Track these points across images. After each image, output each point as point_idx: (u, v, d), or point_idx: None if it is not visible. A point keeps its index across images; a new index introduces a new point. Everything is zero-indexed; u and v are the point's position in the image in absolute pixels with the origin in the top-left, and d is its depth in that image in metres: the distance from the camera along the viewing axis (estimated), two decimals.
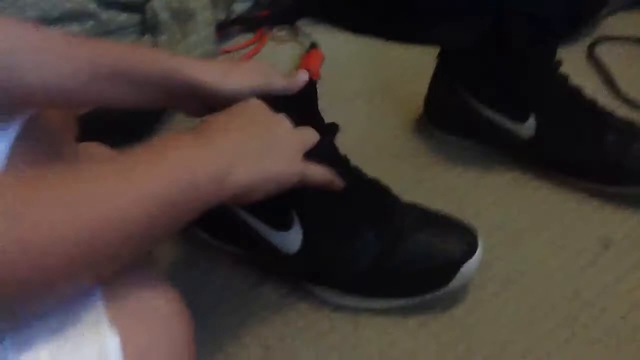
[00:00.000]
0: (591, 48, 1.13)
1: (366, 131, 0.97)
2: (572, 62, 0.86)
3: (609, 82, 1.05)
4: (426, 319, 0.68)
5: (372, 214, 0.66)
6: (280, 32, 1.22)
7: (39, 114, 0.58)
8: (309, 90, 0.63)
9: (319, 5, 1.27)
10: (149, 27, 1.13)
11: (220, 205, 0.51)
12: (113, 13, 1.13)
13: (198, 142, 0.50)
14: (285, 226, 0.64)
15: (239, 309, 0.69)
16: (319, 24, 1.24)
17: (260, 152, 0.53)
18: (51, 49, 0.52)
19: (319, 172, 0.59)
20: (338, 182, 0.62)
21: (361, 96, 1.05)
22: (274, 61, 1.14)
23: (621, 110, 0.90)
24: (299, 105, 0.61)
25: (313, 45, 1.15)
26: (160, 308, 0.46)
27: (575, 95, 0.84)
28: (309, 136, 0.59)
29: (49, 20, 1.05)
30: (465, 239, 0.67)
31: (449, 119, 0.92)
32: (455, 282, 0.66)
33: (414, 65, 1.11)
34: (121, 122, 0.89)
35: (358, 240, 0.65)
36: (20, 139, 0.54)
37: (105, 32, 1.11)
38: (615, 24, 1.20)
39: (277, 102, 0.60)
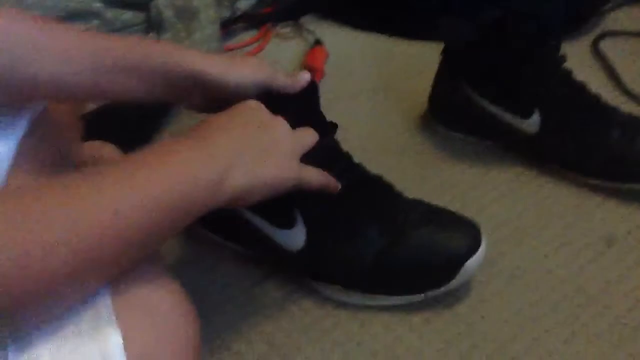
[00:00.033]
0: (595, 43, 1.13)
1: (370, 127, 0.97)
2: (576, 57, 0.86)
3: (614, 77, 1.04)
4: (430, 315, 0.68)
5: (375, 211, 0.67)
6: (285, 29, 1.22)
7: (46, 111, 0.58)
8: (311, 91, 0.63)
9: (322, 1, 1.27)
10: (153, 25, 1.13)
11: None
12: (118, 11, 1.13)
13: (194, 147, 0.50)
14: (289, 224, 0.64)
15: (244, 306, 0.70)
16: (323, 20, 1.24)
17: (257, 156, 0.53)
18: (57, 42, 0.51)
19: (314, 176, 0.59)
20: (334, 185, 0.62)
21: (365, 92, 1.05)
22: (279, 58, 1.15)
23: (626, 106, 0.90)
24: (300, 105, 0.62)
25: (317, 42, 1.15)
26: (165, 305, 0.46)
27: (579, 90, 0.84)
28: (307, 139, 0.60)
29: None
30: (469, 235, 0.67)
31: (453, 115, 0.92)
32: (459, 278, 0.66)
33: (417, 61, 1.11)
34: (128, 120, 0.90)
35: (361, 236, 0.66)
36: (27, 136, 0.54)
37: (110, 30, 1.11)
38: (620, 18, 1.20)
39: (279, 99, 0.60)
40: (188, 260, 0.76)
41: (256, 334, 0.67)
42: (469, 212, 0.70)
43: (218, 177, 0.49)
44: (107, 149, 0.81)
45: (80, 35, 0.53)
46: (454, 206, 0.71)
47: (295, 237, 0.65)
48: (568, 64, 0.84)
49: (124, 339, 0.42)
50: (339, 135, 0.67)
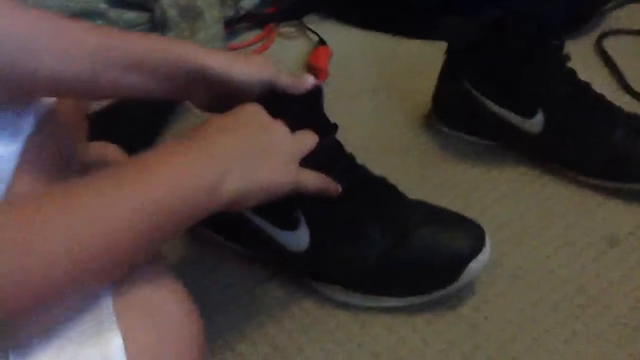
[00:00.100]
0: (599, 41, 1.13)
1: (373, 127, 0.98)
2: (579, 55, 0.86)
3: (617, 75, 1.04)
4: (433, 316, 0.68)
5: (378, 211, 0.67)
6: (288, 29, 1.23)
7: (53, 111, 0.59)
8: (316, 94, 0.63)
9: (325, 1, 1.27)
10: (157, 25, 1.14)
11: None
12: (122, 11, 1.14)
13: (191, 150, 0.50)
14: (292, 226, 0.64)
15: (247, 306, 0.70)
16: (325, 20, 1.25)
17: (254, 160, 0.53)
18: (57, 37, 0.51)
19: (313, 180, 0.59)
20: (334, 188, 0.62)
21: (368, 92, 1.05)
22: (282, 58, 1.15)
23: (629, 104, 0.90)
24: (304, 106, 0.62)
25: (321, 42, 1.15)
26: (168, 306, 0.46)
27: (583, 90, 0.84)
28: (306, 142, 0.59)
29: None
30: (472, 236, 0.67)
31: (457, 115, 0.92)
32: (464, 279, 0.66)
33: (420, 60, 1.11)
34: (133, 120, 0.90)
35: (364, 237, 0.66)
36: (33, 135, 0.55)
37: None
38: (623, 16, 1.19)
39: (283, 99, 0.60)
40: (191, 260, 0.76)
41: (259, 335, 0.67)
42: (471, 212, 0.70)
43: (213, 183, 0.49)
44: (110, 149, 0.81)
45: (82, 31, 0.53)
46: (456, 206, 0.71)
47: (299, 239, 0.65)
48: (571, 63, 0.83)
49: (125, 340, 0.42)
50: (342, 135, 0.67)
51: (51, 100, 0.59)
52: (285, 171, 0.56)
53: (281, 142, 0.56)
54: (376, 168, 0.70)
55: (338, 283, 0.68)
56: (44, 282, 0.38)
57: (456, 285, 0.67)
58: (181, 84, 0.58)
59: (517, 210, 0.81)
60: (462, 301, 0.70)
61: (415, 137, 0.95)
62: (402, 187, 0.70)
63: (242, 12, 1.22)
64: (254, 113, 0.57)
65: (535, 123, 0.83)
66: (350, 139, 0.68)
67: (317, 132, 0.61)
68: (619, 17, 1.19)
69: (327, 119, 0.65)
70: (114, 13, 1.12)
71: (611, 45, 1.11)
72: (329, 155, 0.63)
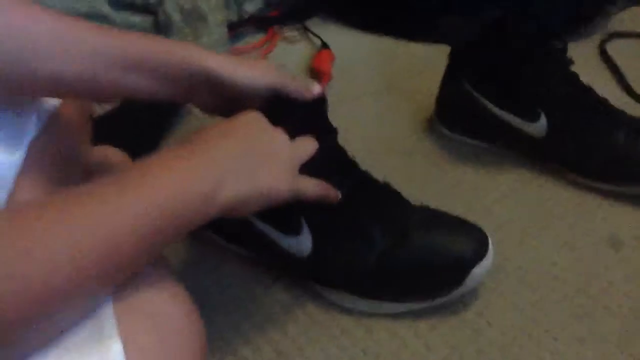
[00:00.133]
0: (602, 44, 1.13)
1: (376, 129, 0.98)
2: (582, 57, 0.86)
3: (620, 79, 1.04)
4: (436, 321, 0.68)
5: (378, 212, 0.67)
6: (291, 32, 1.23)
7: (56, 113, 0.59)
8: (320, 102, 0.63)
9: (327, 4, 1.27)
10: (161, 29, 1.14)
11: None
12: (126, 15, 1.14)
13: (187, 156, 0.50)
14: (295, 231, 0.64)
15: (250, 310, 0.70)
16: (328, 23, 1.25)
17: (252, 168, 0.52)
18: (58, 37, 0.50)
19: (312, 187, 0.59)
20: (334, 194, 0.62)
21: (371, 94, 1.06)
22: (286, 61, 1.15)
23: (632, 107, 0.90)
24: (308, 112, 0.62)
25: (324, 46, 1.16)
26: (170, 310, 0.46)
27: (585, 93, 0.84)
28: (306, 149, 0.59)
29: None
30: (475, 241, 0.67)
31: (461, 119, 0.92)
32: (468, 284, 0.66)
33: (422, 62, 1.11)
34: (137, 124, 0.90)
35: (365, 239, 0.65)
36: (36, 139, 0.55)
37: None
38: (627, 20, 1.19)
39: (287, 104, 0.60)
40: (195, 264, 0.76)
41: (264, 340, 0.67)
42: (473, 214, 0.70)
43: (208, 191, 0.49)
44: (113, 153, 0.82)
45: (83, 30, 0.52)
46: (459, 208, 0.71)
47: (302, 244, 0.65)
48: (574, 66, 0.83)
49: (127, 345, 0.41)
50: (344, 137, 0.67)
51: (55, 102, 0.59)
52: (284, 178, 0.55)
53: (280, 149, 0.56)
54: (379, 170, 0.70)
55: (341, 287, 0.68)
56: (45, 289, 0.38)
57: (460, 291, 0.67)
58: (184, 86, 0.58)
59: (518, 212, 0.82)
60: (466, 306, 0.70)
61: (418, 140, 0.95)
62: (404, 189, 0.70)
63: (246, 16, 1.22)
64: (253, 120, 0.57)
65: (539, 127, 0.83)
66: (353, 141, 0.68)
67: (319, 138, 0.61)
68: (622, 20, 1.19)
69: (330, 125, 0.65)
70: (118, 16, 1.12)
71: (614, 48, 1.11)
72: (330, 161, 0.63)
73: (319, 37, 1.19)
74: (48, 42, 0.50)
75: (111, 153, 0.82)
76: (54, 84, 0.52)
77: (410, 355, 0.65)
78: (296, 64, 1.14)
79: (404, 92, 1.05)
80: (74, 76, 0.52)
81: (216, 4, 1.13)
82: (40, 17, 0.50)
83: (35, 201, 0.43)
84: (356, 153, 0.69)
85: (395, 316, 0.68)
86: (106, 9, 1.11)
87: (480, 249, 0.66)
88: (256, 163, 0.53)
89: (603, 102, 0.84)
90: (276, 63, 1.13)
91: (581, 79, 0.84)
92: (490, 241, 0.67)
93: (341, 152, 0.67)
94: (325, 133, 0.64)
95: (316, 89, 0.63)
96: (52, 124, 0.58)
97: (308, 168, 0.58)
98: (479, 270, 0.65)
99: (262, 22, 1.24)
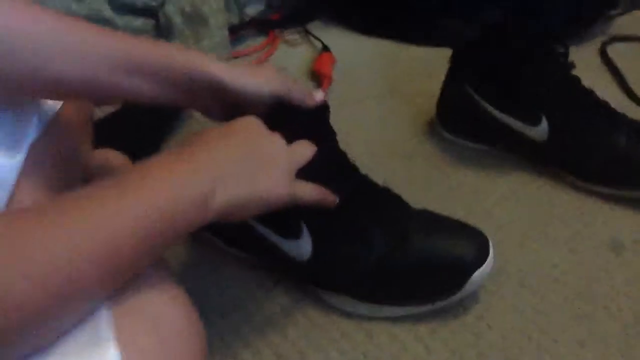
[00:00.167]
0: (603, 47, 1.12)
1: (377, 132, 0.98)
2: (583, 61, 0.86)
3: (621, 82, 1.04)
4: (437, 325, 0.68)
5: (378, 215, 0.66)
6: (292, 36, 1.23)
7: (58, 115, 0.59)
8: (322, 109, 0.64)
9: (329, 7, 1.28)
10: (162, 32, 1.14)
11: None
12: (128, 18, 1.14)
13: (188, 161, 0.50)
14: (295, 235, 0.64)
15: (251, 314, 0.70)
16: (330, 26, 1.25)
17: (247, 173, 0.52)
18: (59, 37, 0.50)
19: (309, 191, 0.59)
20: (331, 199, 0.62)
21: (372, 98, 1.06)
22: (287, 64, 1.15)
23: (633, 111, 0.89)
24: (310, 119, 0.62)
25: (325, 49, 1.16)
26: (170, 313, 0.46)
27: (587, 97, 0.84)
28: (303, 154, 0.59)
29: None
30: (476, 245, 0.67)
31: (462, 122, 0.92)
32: (468, 288, 0.66)
33: (424, 66, 1.12)
34: (138, 127, 0.90)
35: (367, 247, 0.65)
36: (36, 141, 0.55)
37: None
38: (628, 23, 1.19)
39: (290, 111, 0.60)
40: (195, 267, 0.76)
41: (264, 344, 0.67)
42: (474, 218, 0.70)
43: (203, 196, 0.48)
44: (112, 155, 0.82)
45: (84, 31, 0.52)
46: (460, 211, 0.71)
47: (302, 247, 0.65)
48: (575, 69, 0.83)
49: (125, 348, 0.41)
50: (346, 140, 0.67)
51: (56, 104, 0.59)
52: (282, 183, 0.55)
53: (278, 153, 0.56)
54: (380, 172, 0.70)
55: (341, 290, 0.68)
56: (45, 292, 0.38)
57: (460, 294, 0.66)
58: (186, 91, 0.58)
59: (519, 215, 0.82)
60: (466, 309, 0.70)
61: (419, 143, 0.95)
62: (405, 191, 0.70)
63: (247, 19, 1.22)
64: (251, 124, 0.57)
65: (541, 130, 0.83)
66: (354, 143, 0.68)
67: (319, 142, 0.61)
68: (623, 24, 1.19)
69: (331, 130, 0.65)
70: (120, 20, 1.13)
71: (615, 51, 1.11)
72: (330, 165, 0.63)
73: (320, 40, 1.19)
74: (48, 42, 0.49)
75: (112, 156, 0.82)
76: (54, 84, 0.52)
77: (410, 359, 0.65)
78: (297, 67, 1.14)
79: (405, 95, 1.05)
80: (74, 77, 0.52)
81: (217, 7, 1.13)
82: (40, 17, 0.49)
83: (35, 204, 0.43)
84: (357, 156, 0.69)
85: (396, 320, 0.68)
86: (107, 12, 1.11)
87: (480, 253, 0.66)
88: (256, 167, 0.53)
89: (604, 105, 0.84)
90: (277, 66, 1.13)
91: (582, 82, 0.84)
92: (490, 245, 0.66)
93: (341, 156, 0.67)
94: (326, 138, 0.64)
95: (319, 96, 0.63)
96: (53, 126, 0.58)
97: (307, 172, 0.58)
98: (480, 274, 0.65)
99: (263, 25, 1.24)
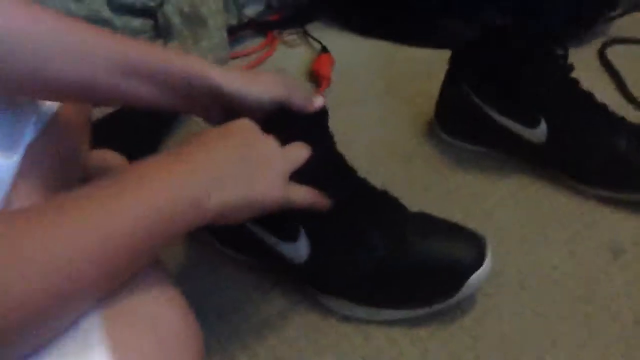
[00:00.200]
0: (602, 49, 1.12)
1: (376, 134, 0.97)
2: (582, 63, 0.86)
3: (620, 84, 1.04)
4: (435, 329, 0.68)
5: (377, 218, 0.66)
6: (291, 36, 1.23)
7: (56, 115, 0.59)
8: (322, 114, 0.64)
9: (328, 8, 1.28)
10: (161, 33, 1.14)
11: None
12: (127, 19, 1.14)
13: (186, 161, 0.50)
14: (292, 237, 0.64)
15: (249, 316, 0.70)
16: (328, 27, 1.25)
17: (241, 176, 0.52)
18: (63, 36, 0.50)
19: (302, 194, 0.59)
20: (323, 202, 0.62)
21: (371, 99, 1.05)
22: (285, 65, 1.15)
23: (632, 113, 0.90)
24: (310, 124, 0.62)
25: (323, 50, 1.16)
26: (166, 314, 0.46)
27: (586, 100, 0.84)
28: (297, 156, 0.59)
29: None
30: (473, 247, 0.66)
31: (461, 124, 0.92)
32: (465, 291, 0.66)
33: (423, 67, 1.11)
34: (136, 128, 0.90)
35: (364, 247, 0.65)
36: (34, 141, 0.55)
37: None
38: (627, 25, 1.19)
39: (289, 116, 0.61)
40: (193, 268, 0.76)
41: (260, 346, 0.67)
42: (473, 220, 0.70)
43: (196, 199, 0.48)
44: (110, 156, 0.82)
45: (84, 32, 0.52)
46: (458, 214, 0.71)
47: (299, 250, 0.65)
48: (574, 71, 0.83)
49: (122, 348, 0.41)
50: (344, 142, 0.67)
51: (54, 104, 0.59)
52: (276, 186, 0.55)
53: (271, 156, 0.56)
54: (378, 174, 0.70)
55: (339, 293, 0.68)
56: (45, 292, 0.38)
57: (458, 297, 0.66)
58: (185, 96, 0.58)
59: (518, 217, 0.81)
60: (464, 312, 0.69)
61: (418, 144, 0.95)
62: (404, 193, 0.70)
63: (246, 20, 1.22)
64: (246, 127, 0.56)
65: (539, 133, 0.83)
66: (353, 145, 0.68)
67: (317, 145, 0.61)
68: (623, 26, 1.19)
69: (329, 134, 0.65)
70: (118, 20, 1.13)
71: (614, 53, 1.11)
72: (327, 168, 0.63)
73: (319, 41, 1.19)
74: (48, 42, 0.49)
75: (110, 157, 0.82)
76: (54, 84, 0.52)
77: None
78: (296, 68, 1.14)
79: (404, 96, 1.05)
80: (74, 77, 0.52)
81: (216, 8, 1.13)
82: (40, 17, 0.49)
83: (34, 204, 0.43)
84: (356, 157, 0.68)
85: (394, 323, 0.68)
86: (106, 12, 1.11)
87: (478, 256, 0.66)
88: (246, 171, 0.53)
89: (603, 108, 0.84)
90: (277, 67, 1.13)
91: (581, 84, 0.84)
92: (488, 247, 0.66)
93: (338, 158, 0.67)
94: (323, 140, 0.64)
95: (318, 102, 0.63)
96: (51, 126, 0.58)
97: (302, 175, 0.58)
98: (477, 276, 0.65)
99: (262, 26, 1.24)
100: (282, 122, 0.59)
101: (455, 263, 0.65)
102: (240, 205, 0.52)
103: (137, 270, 0.46)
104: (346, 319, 0.69)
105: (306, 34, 1.23)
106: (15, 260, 0.37)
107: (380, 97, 1.06)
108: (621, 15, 1.21)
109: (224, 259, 0.75)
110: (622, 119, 0.84)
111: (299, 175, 0.58)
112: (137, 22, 1.15)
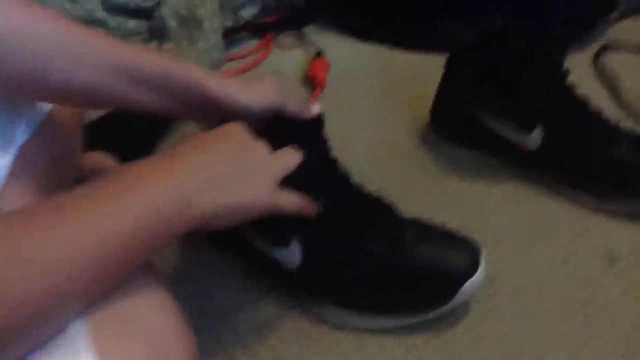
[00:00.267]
0: (598, 54, 1.12)
1: (371, 137, 0.97)
2: (578, 69, 0.86)
3: (615, 90, 1.04)
4: (429, 336, 0.68)
5: (373, 231, 0.66)
6: (287, 39, 1.22)
7: (50, 115, 0.58)
8: (317, 123, 0.64)
9: (325, 11, 1.27)
10: (156, 34, 1.13)
11: None
12: (122, 20, 1.13)
13: (179, 164, 0.50)
14: (284, 243, 0.64)
15: (238, 324, 0.69)
16: (325, 30, 1.24)
17: (232, 179, 0.52)
18: (62, 37, 0.50)
19: (291, 200, 0.58)
20: (311, 208, 0.61)
21: (367, 102, 1.05)
22: (281, 68, 1.15)
23: (627, 120, 0.90)
24: (306, 130, 0.62)
25: (319, 54, 1.15)
26: (158, 319, 0.46)
27: (582, 105, 0.84)
28: (288, 162, 0.59)
29: None
30: (468, 254, 0.66)
31: (456, 128, 0.92)
32: (459, 298, 0.65)
33: (420, 70, 1.11)
34: (130, 130, 0.90)
35: (357, 253, 0.65)
36: (27, 142, 0.55)
37: None
38: (623, 31, 1.19)
39: (285, 124, 0.61)
40: (188, 272, 0.76)
41: (260, 346, 0.66)
42: (469, 227, 0.70)
43: (181, 203, 0.48)
44: (100, 157, 0.81)
45: (82, 34, 0.52)
46: (454, 220, 0.71)
47: (292, 255, 0.64)
48: (570, 76, 0.83)
49: (113, 354, 0.41)
50: (340, 145, 0.67)
51: (49, 105, 0.59)
52: (261, 192, 0.55)
53: (261, 162, 0.56)
54: (374, 179, 0.70)
55: (331, 300, 0.68)
56: (45, 292, 0.38)
57: (452, 304, 0.66)
58: (182, 101, 0.58)
59: (514, 222, 0.81)
60: (458, 319, 0.69)
61: (414, 149, 0.94)
62: (399, 198, 0.70)
63: (242, 22, 1.22)
64: (237, 131, 0.56)
65: (534, 138, 0.83)
66: (348, 148, 0.68)
67: (311, 151, 0.60)
68: (619, 32, 1.19)
69: (324, 139, 0.65)
70: (113, 21, 1.12)
71: (611, 58, 1.11)
72: (322, 173, 0.63)
73: (315, 44, 1.19)
74: (48, 42, 0.49)
75: (103, 159, 0.81)
76: (53, 85, 0.52)
77: None
78: (291, 71, 1.14)
79: (401, 100, 1.04)
80: (74, 78, 0.52)
81: (212, 10, 1.12)
82: (40, 17, 0.49)
83: (30, 205, 0.42)
84: (351, 161, 0.68)
85: (387, 331, 0.68)
86: (101, 13, 1.11)
87: (472, 263, 0.65)
88: (235, 175, 0.53)
89: (600, 115, 0.84)
90: (272, 70, 1.13)
91: (577, 89, 0.83)
92: (482, 254, 0.66)
93: (333, 163, 0.66)
94: (317, 146, 0.64)
95: (315, 109, 0.64)
96: (45, 126, 0.58)
97: (294, 180, 0.58)
98: (471, 283, 0.65)
99: (258, 29, 1.24)
100: (276, 128, 0.59)
101: (449, 270, 0.65)
102: (231, 207, 0.52)
103: (134, 271, 0.46)
104: (340, 326, 0.68)
105: (302, 36, 1.22)
106: (15, 261, 0.37)
107: (377, 100, 1.05)
108: (620, 19, 1.20)
109: (218, 263, 0.75)
110: (616, 124, 0.84)
111: (291, 181, 0.58)
112: (131, 24, 1.14)
